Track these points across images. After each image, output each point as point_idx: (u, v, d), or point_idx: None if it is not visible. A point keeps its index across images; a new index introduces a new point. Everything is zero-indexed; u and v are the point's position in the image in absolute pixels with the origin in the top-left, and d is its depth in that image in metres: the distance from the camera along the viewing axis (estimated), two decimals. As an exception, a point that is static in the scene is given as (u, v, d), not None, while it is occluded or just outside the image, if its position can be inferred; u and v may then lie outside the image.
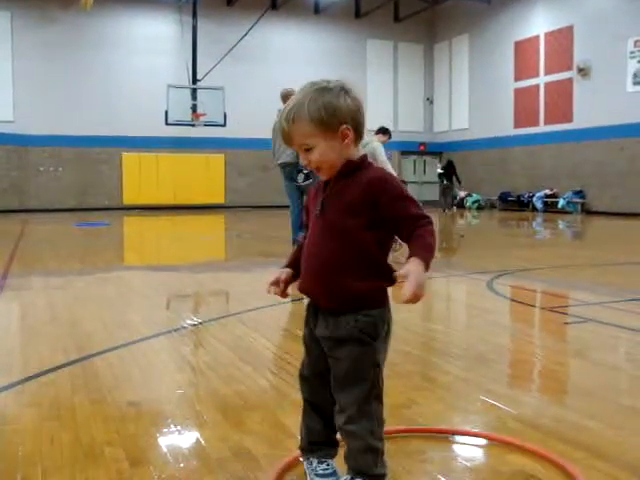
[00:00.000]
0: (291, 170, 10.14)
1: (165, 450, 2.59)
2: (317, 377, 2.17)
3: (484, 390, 3.33)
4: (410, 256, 1.91)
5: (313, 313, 2.14)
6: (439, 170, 26.37)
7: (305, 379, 2.23)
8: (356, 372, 2.03)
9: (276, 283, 2.18)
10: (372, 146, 10.45)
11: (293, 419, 2.84)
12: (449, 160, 26.24)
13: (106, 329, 4.77)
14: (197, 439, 2.69)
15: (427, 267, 1.90)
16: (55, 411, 3.01)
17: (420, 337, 4.56)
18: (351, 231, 2.01)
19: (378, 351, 2.05)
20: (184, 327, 4.83)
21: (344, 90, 2.02)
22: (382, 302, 2.07)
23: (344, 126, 2.00)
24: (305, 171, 9.87)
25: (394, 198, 1.98)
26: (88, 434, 2.73)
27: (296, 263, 2.20)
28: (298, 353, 3.72)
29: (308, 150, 2.02)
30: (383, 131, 11.48)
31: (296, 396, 2.90)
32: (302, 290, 2.15)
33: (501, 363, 3.93)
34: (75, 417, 2.93)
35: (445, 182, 25.47)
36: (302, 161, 2.07)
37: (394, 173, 11.92)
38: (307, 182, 9.89)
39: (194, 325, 4.91)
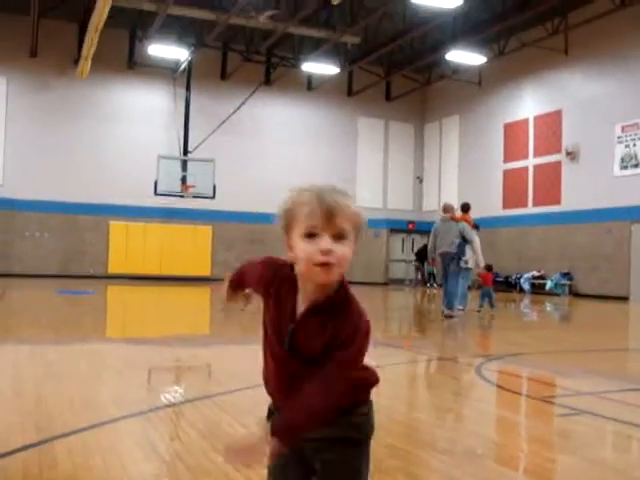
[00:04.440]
0: (450, 257, 12.72)
1: None
2: None
3: (473, 492, 3.07)
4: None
5: None
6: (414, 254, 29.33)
7: None
8: (353, 476, 1.84)
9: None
10: (464, 225, 13.08)
11: (263, 522, 2.57)
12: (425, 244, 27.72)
13: (72, 408, 4.48)
14: None
15: (285, 436, 1.68)
16: (0, 506, 2.73)
17: (405, 428, 4.30)
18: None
19: (369, 448, 1.88)
20: (156, 409, 4.54)
21: None
22: (369, 397, 1.90)
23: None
24: (464, 258, 12.96)
25: (349, 346, 1.73)
26: (34, 534, 2.45)
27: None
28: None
29: (340, 239, 1.70)
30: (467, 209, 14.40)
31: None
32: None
33: (490, 459, 3.67)
34: (22, 513, 2.65)
35: (416, 263, 28.71)
36: (316, 248, 1.69)
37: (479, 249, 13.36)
38: (466, 266, 13.08)
39: (167, 406, 4.64)
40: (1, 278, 22.44)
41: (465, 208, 14.13)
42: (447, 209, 13.40)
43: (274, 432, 1.67)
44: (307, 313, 1.76)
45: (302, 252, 1.70)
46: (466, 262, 13.13)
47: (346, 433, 1.82)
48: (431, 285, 27.56)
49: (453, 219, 13.24)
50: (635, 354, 9.09)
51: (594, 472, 3.50)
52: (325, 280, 1.71)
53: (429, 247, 13.54)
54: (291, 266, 1.79)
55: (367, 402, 1.88)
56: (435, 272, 26.31)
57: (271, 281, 1.83)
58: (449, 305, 12.69)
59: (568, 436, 4.35)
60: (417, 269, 29.23)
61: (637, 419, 4.69)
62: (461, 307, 13.33)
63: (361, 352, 1.76)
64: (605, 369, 7.19)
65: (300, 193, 1.75)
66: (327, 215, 1.68)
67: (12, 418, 4.19)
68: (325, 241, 1.68)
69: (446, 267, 12.92)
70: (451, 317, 12.56)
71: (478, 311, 13.80)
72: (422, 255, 28.44)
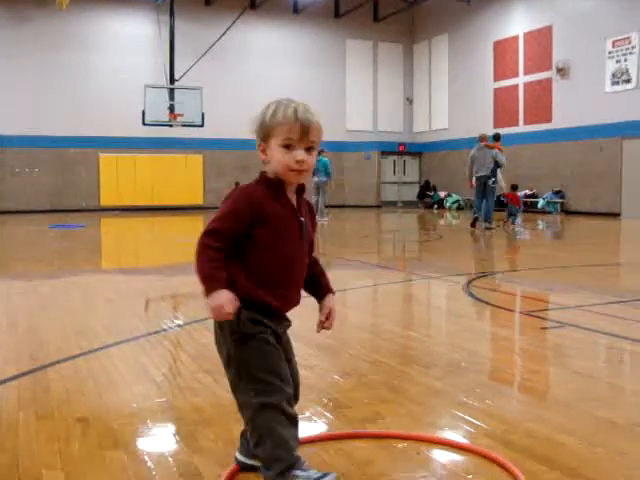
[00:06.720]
0: (485, 180, 14.93)
1: (108, 473, 2.39)
2: None
3: (455, 402, 3.16)
4: None
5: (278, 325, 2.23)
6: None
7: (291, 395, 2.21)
8: None
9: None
10: (496, 152, 14.94)
11: (250, 437, 2.65)
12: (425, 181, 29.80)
13: (65, 337, 4.56)
14: (144, 460, 2.50)
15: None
16: (-5, 429, 2.80)
17: (390, 344, 4.39)
18: None
19: None
20: (147, 334, 4.63)
21: None
22: None
23: None
24: (493, 178, 15.02)
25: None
26: (28, 455, 2.53)
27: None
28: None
29: (310, 150, 2.14)
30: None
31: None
32: (286, 310, 2.25)
33: (475, 372, 3.75)
34: (17, 435, 2.73)
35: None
36: (292, 158, 2.11)
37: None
38: (494, 185, 15.11)
39: (158, 332, 4.72)
40: (-6, 214, 22.43)
41: (497, 137, 15.83)
42: (482, 138, 15.37)
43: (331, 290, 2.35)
44: (301, 204, 2.23)
45: (280, 159, 2.12)
46: (495, 182, 15.11)
47: None
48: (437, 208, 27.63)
49: (488, 146, 15.16)
50: (624, 269, 9.18)
51: (577, 382, 3.59)
52: (297, 182, 2.19)
53: (467, 171, 15.61)
54: (262, 176, 2.18)
55: None
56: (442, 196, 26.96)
57: (257, 205, 2.11)
58: (488, 219, 14.92)
59: (552, 348, 4.45)
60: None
61: (620, 330, 4.79)
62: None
63: None
64: (593, 284, 7.30)
65: (278, 109, 2.12)
66: (303, 131, 2.10)
67: (6, 349, 4.27)
68: (300, 153, 2.11)
69: (482, 188, 15.01)
70: (490, 229, 14.69)
71: (513, 223, 16.22)
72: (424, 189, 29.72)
